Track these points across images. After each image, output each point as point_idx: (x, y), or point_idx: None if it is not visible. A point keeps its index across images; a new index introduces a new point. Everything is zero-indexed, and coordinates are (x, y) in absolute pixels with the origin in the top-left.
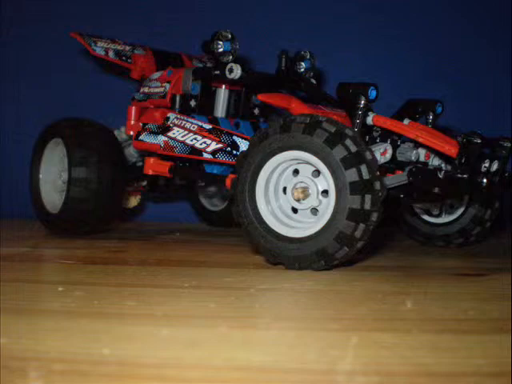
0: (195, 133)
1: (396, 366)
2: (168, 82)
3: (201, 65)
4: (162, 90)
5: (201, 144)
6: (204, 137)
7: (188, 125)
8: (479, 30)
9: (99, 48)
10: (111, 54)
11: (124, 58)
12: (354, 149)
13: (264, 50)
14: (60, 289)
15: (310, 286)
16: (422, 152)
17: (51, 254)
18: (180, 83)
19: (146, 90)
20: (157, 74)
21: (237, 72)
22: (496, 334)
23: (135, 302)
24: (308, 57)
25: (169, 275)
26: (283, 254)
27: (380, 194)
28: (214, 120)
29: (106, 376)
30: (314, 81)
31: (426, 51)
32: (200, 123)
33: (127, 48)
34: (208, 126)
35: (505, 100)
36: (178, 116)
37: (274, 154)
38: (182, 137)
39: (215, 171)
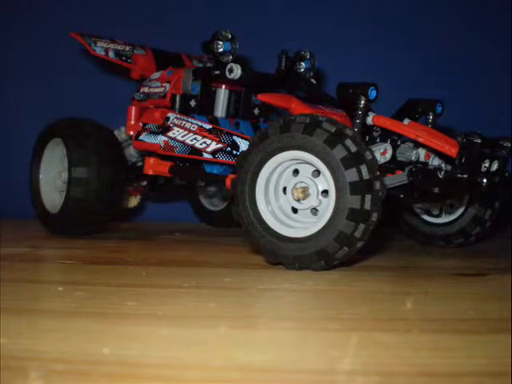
0: (195, 133)
1: (396, 366)
2: (168, 81)
3: (201, 65)
4: (161, 90)
5: (201, 144)
6: (204, 137)
7: (188, 125)
8: (479, 29)
9: (99, 48)
10: (111, 54)
11: (124, 58)
12: (354, 149)
13: (264, 50)
14: (60, 289)
15: (310, 286)
16: (421, 152)
17: (51, 253)
18: (180, 83)
19: (146, 90)
20: (157, 74)
21: (237, 72)
22: (496, 334)
23: (135, 302)
24: (308, 57)
25: (169, 275)
26: (283, 254)
27: (380, 193)
28: (214, 120)
29: (106, 376)
30: (313, 81)
31: (426, 51)
32: (200, 123)
33: (127, 48)
34: (208, 126)
35: (505, 100)
36: (178, 116)
37: (273, 154)
38: (182, 137)
39: (215, 171)
